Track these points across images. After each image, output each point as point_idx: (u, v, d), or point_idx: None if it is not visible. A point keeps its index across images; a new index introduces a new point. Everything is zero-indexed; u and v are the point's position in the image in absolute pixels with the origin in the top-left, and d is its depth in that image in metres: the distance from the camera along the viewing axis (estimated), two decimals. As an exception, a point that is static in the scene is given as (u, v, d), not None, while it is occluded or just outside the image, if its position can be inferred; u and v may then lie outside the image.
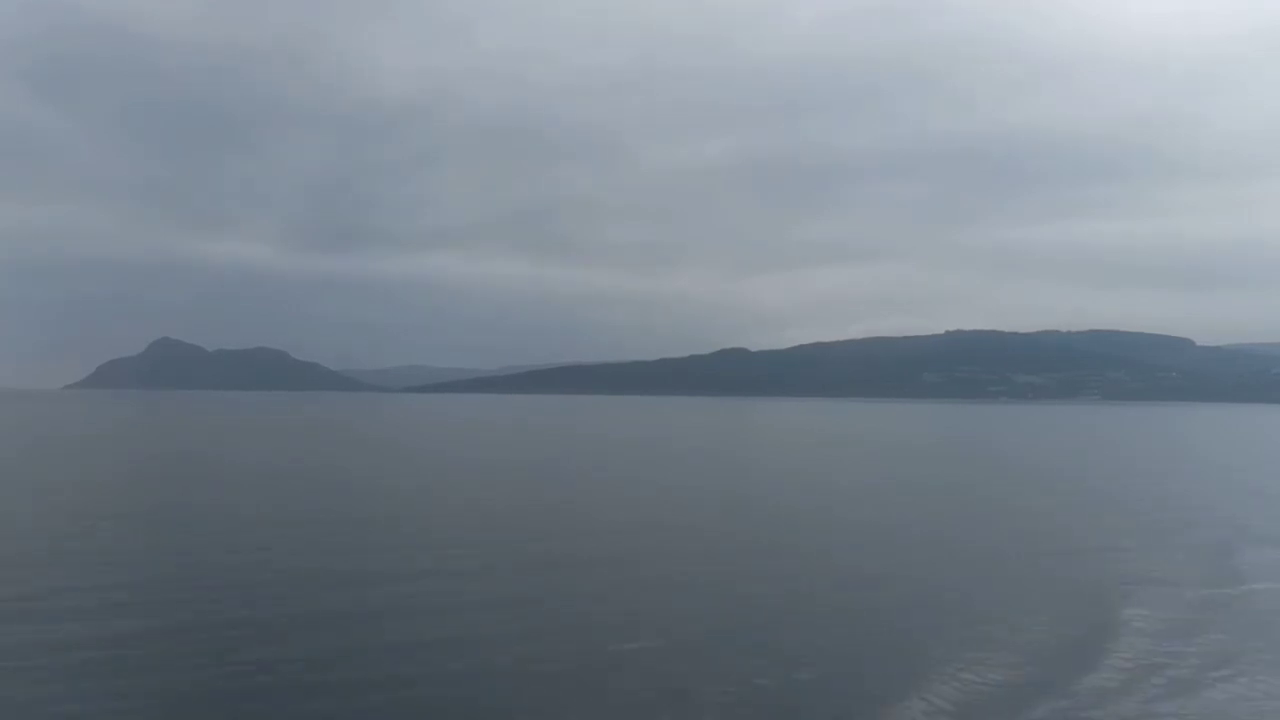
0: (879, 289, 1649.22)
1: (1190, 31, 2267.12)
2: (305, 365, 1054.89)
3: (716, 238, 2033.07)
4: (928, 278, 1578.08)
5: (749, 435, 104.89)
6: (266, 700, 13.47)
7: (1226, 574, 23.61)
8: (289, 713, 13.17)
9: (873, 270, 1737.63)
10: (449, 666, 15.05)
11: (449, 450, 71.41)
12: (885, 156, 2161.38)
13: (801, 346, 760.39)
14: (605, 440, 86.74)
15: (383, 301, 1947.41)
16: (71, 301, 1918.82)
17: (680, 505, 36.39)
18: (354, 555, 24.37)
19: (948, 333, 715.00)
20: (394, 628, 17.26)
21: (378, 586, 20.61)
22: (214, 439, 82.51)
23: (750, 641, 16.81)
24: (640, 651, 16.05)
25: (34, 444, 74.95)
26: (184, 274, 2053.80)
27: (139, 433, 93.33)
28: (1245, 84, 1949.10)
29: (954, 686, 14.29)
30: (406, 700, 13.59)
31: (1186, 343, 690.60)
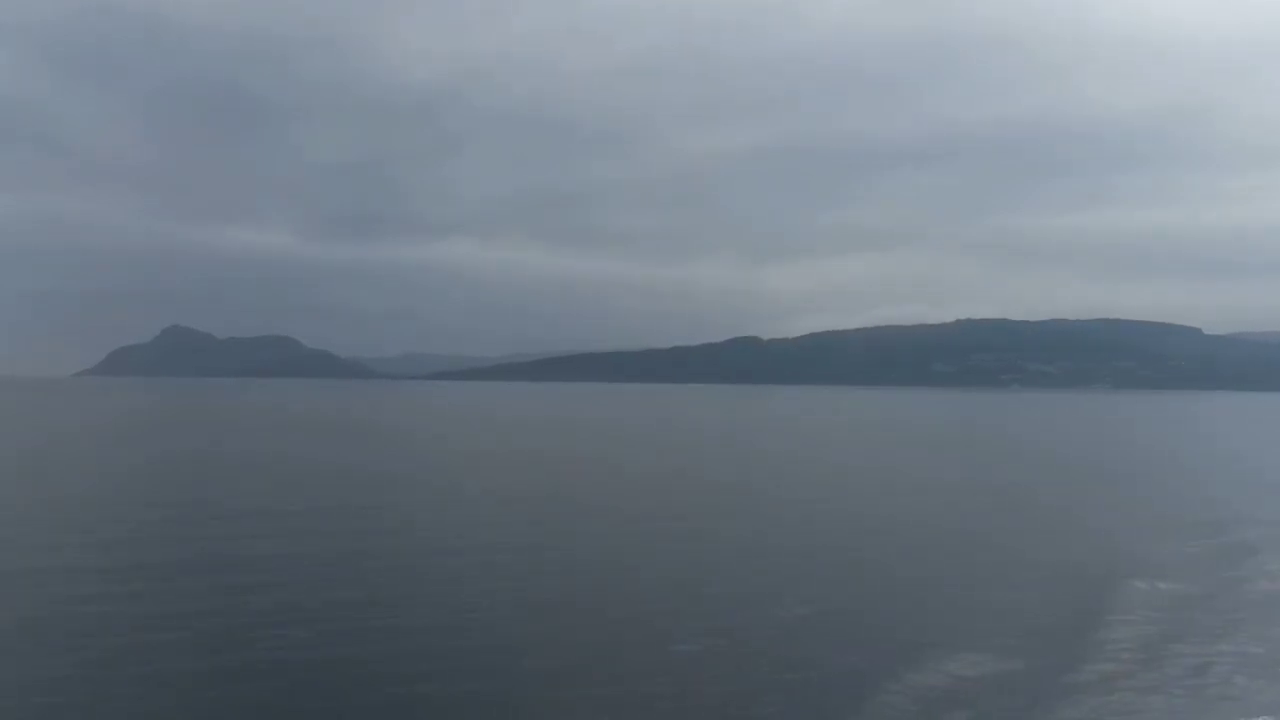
0: (891, 278, 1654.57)
1: (1214, 19, 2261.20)
2: (316, 353, 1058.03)
3: (735, 226, 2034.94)
4: (940, 267, 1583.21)
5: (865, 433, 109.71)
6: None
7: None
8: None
9: (886, 259, 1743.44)
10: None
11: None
12: (909, 145, 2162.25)
13: (813, 335, 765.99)
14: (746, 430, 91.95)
15: (395, 289, 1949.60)
16: (82, 289, 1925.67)
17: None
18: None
19: (957, 321, 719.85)
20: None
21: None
22: (328, 439, 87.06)
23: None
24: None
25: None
26: (195, 261, 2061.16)
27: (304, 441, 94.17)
28: (1263, 72, 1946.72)
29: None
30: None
31: (1194, 331, 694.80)
